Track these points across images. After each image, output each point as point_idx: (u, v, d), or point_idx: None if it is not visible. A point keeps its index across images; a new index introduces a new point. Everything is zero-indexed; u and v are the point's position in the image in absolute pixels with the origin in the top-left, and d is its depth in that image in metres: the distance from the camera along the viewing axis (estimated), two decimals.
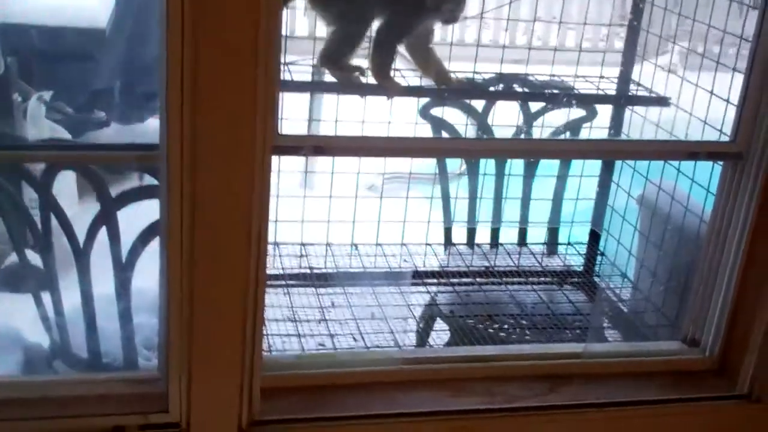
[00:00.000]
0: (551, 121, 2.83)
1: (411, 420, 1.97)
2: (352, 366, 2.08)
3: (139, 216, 2.12)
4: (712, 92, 2.25)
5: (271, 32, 1.60)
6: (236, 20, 1.55)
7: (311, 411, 1.94)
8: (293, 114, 2.34)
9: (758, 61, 2.00)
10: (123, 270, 2.15)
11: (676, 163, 2.49)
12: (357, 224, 2.72)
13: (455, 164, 3.05)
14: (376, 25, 2.20)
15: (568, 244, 3.00)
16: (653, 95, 2.56)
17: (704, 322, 2.22)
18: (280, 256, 2.73)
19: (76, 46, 3.67)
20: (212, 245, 1.69)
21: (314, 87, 2.31)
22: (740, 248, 2.10)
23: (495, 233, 3.06)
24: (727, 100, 2.16)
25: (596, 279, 2.85)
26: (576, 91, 2.64)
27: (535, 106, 2.83)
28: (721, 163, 2.13)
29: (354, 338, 2.30)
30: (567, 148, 2.22)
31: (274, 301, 2.51)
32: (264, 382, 1.93)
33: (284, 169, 2.44)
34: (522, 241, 3.07)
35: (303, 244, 2.67)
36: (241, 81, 1.60)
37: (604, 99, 2.67)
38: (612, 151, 2.26)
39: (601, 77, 2.67)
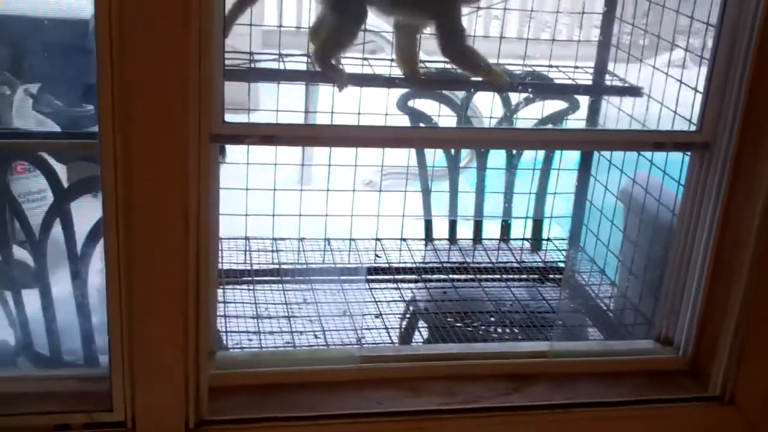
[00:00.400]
0: (534, 114, 2.77)
1: (365, 420, 1.92)
2: (310, 364, 2.03)
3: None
4: (681, 81, 2.18)
5: (204, 14, 1.55)
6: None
7: (262, 410, 1.90)
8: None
9: (721, 49, 1.93)
10: (77, 265, 2.12)
11: (649, 154, 2.43)
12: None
13: (441, 159, 2.99)
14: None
15: (548, 240, 2.94)
16: (626, 85, 2.50)
17: (677, 321, 2.15)
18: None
19: (61, 37, 3.63)
20: (148, 240, 1.66)
21: (257, 75, 2.24)
22: (709, 243, 2.03)
23: (478, 227, 3.00)
24: (695, 89, 2.09)
25: (577, 276, 2.78)
26: (555, 81, 2.58)
27: (515, 98, 2.78)
28: (688, 153, 2.06)
29: (316, 336, 2.25)
30: (531, 139, 2.16)
31: (245, 297, 2.47)
32: (217, 381, 1.90)
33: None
34: (505, 236, 3.01)
35: (274, 239, 2.63)
36: (172, 68, 1.56)
37: (580, 89, 2.61)
38: (577, 142, 2.20)
39: (576, 68, 2.61)
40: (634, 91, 2.45)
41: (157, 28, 1.53)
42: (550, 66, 2.64)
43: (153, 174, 1.61)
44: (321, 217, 2.61)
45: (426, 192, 2.89)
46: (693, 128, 2.05)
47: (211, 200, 1.81)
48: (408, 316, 2.58)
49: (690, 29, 2.16)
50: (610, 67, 2.62)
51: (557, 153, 2.95)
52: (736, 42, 1.92)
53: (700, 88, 2.03)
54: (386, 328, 2.40)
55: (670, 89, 2.25)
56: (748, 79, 1.90)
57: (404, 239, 2.77)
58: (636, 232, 2.51)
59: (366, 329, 2.33)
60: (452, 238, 2.97)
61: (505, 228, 3.03)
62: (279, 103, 2.33)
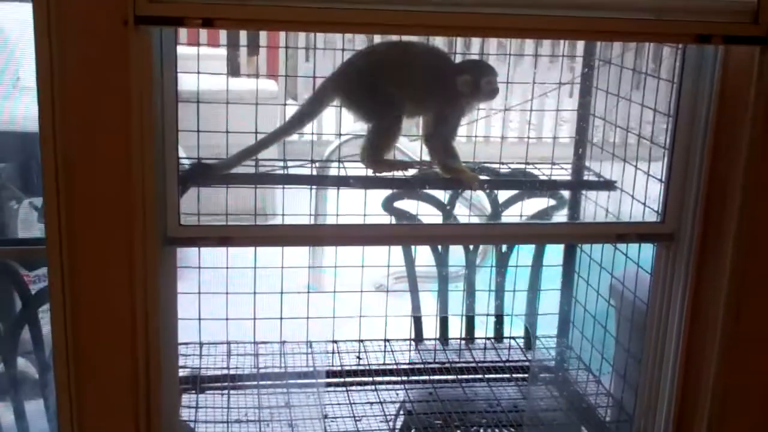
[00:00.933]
0: (522, 212, 2.77)
1: None
2: None
3: None
4: (648, 174, 2.18)
5: (146, 123, 1.59)
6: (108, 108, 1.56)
7: None
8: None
9: (679, 138, 1.94)
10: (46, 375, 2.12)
11: (636, 250, 2.41)
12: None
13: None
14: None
15: (535, 338, 2.89)
16: (601, 179, 2.51)
17: (654, 416, 2.10)
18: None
19: None
20: (95, 345, 1.66)
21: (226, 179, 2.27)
22: (680, 336, 2.00)
23: (470, 326, 2.96)
24: (661, 180, 2.08)
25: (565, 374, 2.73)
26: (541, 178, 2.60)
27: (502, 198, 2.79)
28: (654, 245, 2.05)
29: None
30: (492, 233, 2.18)
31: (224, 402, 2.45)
32: None
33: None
34: (498, 334, 2.97)
35: (255, 343, 2.62)
36: (116, 174, 1.59)
37: (557, 185, 2.62)
38: (539, 236, 2.21)
39: (553, 164, 2.63)
40: (608, 185, 2.45)
41: (98, 141, 1.57)
42: (527, 164, 2.65)
43: (99, 280, 1.62)
44: (302, 319, 2.60)
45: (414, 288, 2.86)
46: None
47: (168, 304, 1.82)
48: (401, 415, 2.54)
49: (654, 121, 2.17)
50: (588, 164, 2.63)
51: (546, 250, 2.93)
52: (692, 132, 1.93)
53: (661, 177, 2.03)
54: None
55: (642, 183, 2.25)
56: (706, 169, 1.90)
57: (388, 340, 2.75)
58: (623, 330, 2.47)
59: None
60: (443, 336, 2.93)
61: (498, 326, 2.99)
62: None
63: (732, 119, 1.83)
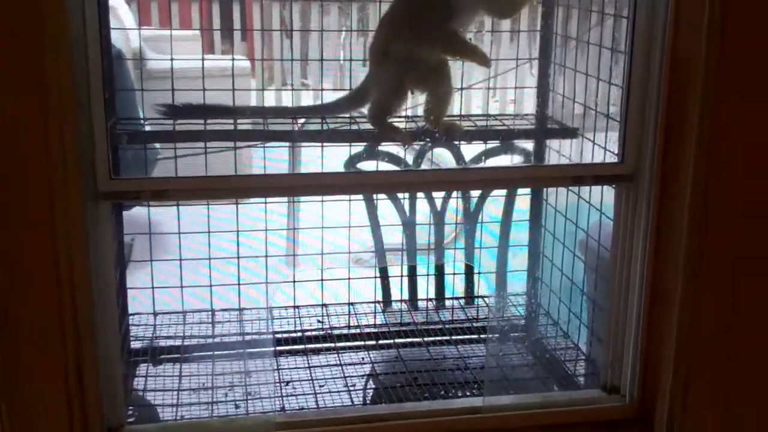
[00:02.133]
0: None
1: None
2: None
3: None
4: (607, 116, 2.10)
5: (62, 75, 1.50)
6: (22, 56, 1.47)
7: None
8: None
9: (635, 77, 1.86)
10: None
11: (601, 201, 2.33)
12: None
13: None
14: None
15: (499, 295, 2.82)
16: (563, 127, 2.43)
17: (621, 366, 2.03)
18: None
19: None
20: (21, 322, 1.57)
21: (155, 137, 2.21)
22: (644, 280, 1.92)
23: (439, 287, 2.88)
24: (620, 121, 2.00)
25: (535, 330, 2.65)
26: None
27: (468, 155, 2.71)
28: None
29: (236, 405, 2.14)
30: (452, 179, 2.09)
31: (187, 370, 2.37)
32: None
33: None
34: (468, 293, 2.89)
35: (212, 311, 2.53)
36: (32, 128, 1.50)
37: (522, 134, 2.54)
38: (496, 180, 2.12)
39: (515, 116, 2.55)
40: (570, 133, 2.37)
41: (11, 91, 1.49)
42: (488, 116, 2.58)
43: (19, 240, 1.54)
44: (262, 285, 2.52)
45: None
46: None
47: (104, 269, 1.74)
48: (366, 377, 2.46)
49: (612, 61, 2.08)
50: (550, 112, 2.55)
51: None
52: (648, 70, 1.85)
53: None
54: (330, 392, 2.28)
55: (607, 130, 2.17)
56: (663, 107, 1.82)
57: (352, 303, 2.67)
58: (592, 282, 2.39)
59: (292, 396, 2.21)
60: (412, 299, 2.85)
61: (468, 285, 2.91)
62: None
63: (686, 54, 1.75)
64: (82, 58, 1.62)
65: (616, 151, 2.00)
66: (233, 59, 2.45)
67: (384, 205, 2.74)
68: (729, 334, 1.84)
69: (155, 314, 2.49)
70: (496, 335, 2.67)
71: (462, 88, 2.58)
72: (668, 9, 1.77)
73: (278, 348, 2.43)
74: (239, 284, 2.48)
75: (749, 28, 1.69)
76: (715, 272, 1.81)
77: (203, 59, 2.32)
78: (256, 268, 2.54)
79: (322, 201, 2.62)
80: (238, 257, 2.46)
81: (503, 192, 2.76)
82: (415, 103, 2.41)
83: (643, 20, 1.83)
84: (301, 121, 2.55)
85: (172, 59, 2.29)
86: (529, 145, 2.67)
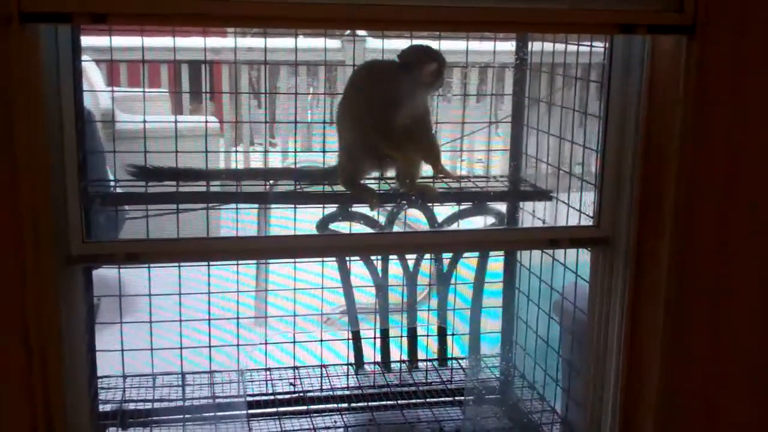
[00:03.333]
0: None
1: None
2: None
3: None
4: (582, 179, 2.11)
5: (34, 139, 1.48)
6: None
7: None
8: None
9: (610, 140, 1.87)
10: None
11: (576, 263, 2.32)
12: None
13: None
14: None
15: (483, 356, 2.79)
16: (537, 189, 2.44)
17: (599, 430, 2.01)
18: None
19: None
20: None
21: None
22: (621, 344, 1.91)
23: (412, 348, 2.85)
24: (595, 184, 2.01)
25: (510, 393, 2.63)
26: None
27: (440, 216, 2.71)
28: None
29: None
30: (428, 242, 2.08)
31: None
32: None
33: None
34: (442, 355, 2.86)
35: (182, 373, 2.48)
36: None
37: (496, 197, 2.55)
38: (471, 243, 2.11)
39: (489, 178, 2.56)
40: (543, 195, 2.38)
41: None
42: (462, 177, 2.58)
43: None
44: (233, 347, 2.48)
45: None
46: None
47: (75, 332, 1.70)
48: None
49: (585, 124, 2.10)
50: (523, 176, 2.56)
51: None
52: (623, 132, 1.86)
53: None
54: None
55: (580, 193, 2.18)
56: (639, 170, 1.83)
57: (324, 366, 2.63)
58: (567, 344, 2.38)
59: None
60: (385, 361, 2.82)
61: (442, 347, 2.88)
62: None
63: (662, 116, 1.76)
64: (55, 122, 1.61)
65: (591, 214, 2.02)
66: (206, 121, 2.43)
67: (356, 264, 2.72)
68: (709, 401, 1.83)
69: (124, 377, 2.44)
70: (472, 398, 2.64)
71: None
72: (643, 73, 1.79)
73: (250, 411, 2.38)
74: (210, 346, 2.44)
75: (726, 90, 1.70)
76: (695, 338, 1.80)
77: (176, 121, 2.31)
78: (228, 329, 2.51)
79: (294, 262, 2.60)
80: (209, 319, 2.43)
81: (476, 253, 2.76)
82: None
83: (618, 84, 1.85)
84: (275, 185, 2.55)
85: (144, 121, 2.29)
86: (502, 206, 2.68)
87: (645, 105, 1.79)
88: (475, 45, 2.64)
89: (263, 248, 1.97)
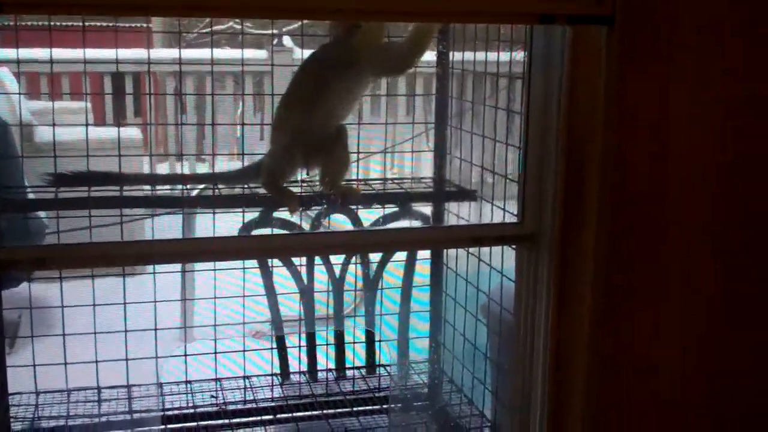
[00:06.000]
0: None
1: None
2: None
3: None
4: (505, 177, 2.08)
5: None
6: None
7: None
8: None
9: (532, 135, 1.84)
10: None
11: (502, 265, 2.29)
12: None
13: None
14: None
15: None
16: (461, 189, 2.41)
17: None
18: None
19: None
20: None
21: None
22: (547, 343, 1.87)
23: (340, 356, 2.79)
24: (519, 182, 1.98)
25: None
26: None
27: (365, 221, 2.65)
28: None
29: None
30: (356, 241, 2.02)
31: None
32: None
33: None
34: (370, 362, 2.81)
35: (98, 388, 2.38)
36: None
37: (420, 197, 2.51)
38: (394, 242, 2.06)
39: (413, 179, 2.52)
40: (468, 195, 2.35)
41: None
42: (386, 179, 2.54)
43: None
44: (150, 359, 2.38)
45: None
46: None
47: None
48: None
49: (508, 123, 2.07)
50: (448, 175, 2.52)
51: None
52: (545, 127, 1.83)
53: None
54: None
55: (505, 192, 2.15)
56: (561, 165, 1.80)
57: (247, 377, 2.55)
58: (495, 346, 2.35)
59: None
60: (311, 369, 2.75)
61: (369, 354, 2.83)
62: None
63: (584, 109, 1.74)
64: None
65: (515, 213, 1.98)
66: (119, 125, 2.35)
67: (281, 276, 2.65)
68: (639, 402, 1.80)
69: (37, 393, 2.32)
70: (399, 405, 2.59)
71: (358, 154, 2.55)
72: (563, 65, 1.76)
73: (169, 426, 2.29)
74: (127, 359, 2.34)
75: (648, 81, 1.69)
76: (623, 337, 1.78)
77: (86, 124, 2.22)
78: (148, 342, 2.42)
79: (215, 269, 2.51)
80: (126, 331, 2.33)
81: (403, 257, 2.72)
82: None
83: (539, 80, 1.82)
84: (195, 192, 2.48)
85: (54, 124, 2.20)
86: (427, 209, 2.64)
87: (566, 98, 1.76)
88: None
89: (181, 251, 1.88)
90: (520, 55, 1.95)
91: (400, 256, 2.72)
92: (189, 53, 2.39)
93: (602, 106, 1.69)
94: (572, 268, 1.80)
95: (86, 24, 2.22)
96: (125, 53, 2.41)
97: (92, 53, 2.32)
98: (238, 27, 2.71)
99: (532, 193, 1.86)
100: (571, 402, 1.83)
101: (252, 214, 2.49)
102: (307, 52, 2.42)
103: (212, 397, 2.45)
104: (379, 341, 2.71)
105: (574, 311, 1.81)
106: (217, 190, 2.39)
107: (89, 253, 1.71)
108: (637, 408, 1.82)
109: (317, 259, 2.69)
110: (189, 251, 1.89)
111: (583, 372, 1.78)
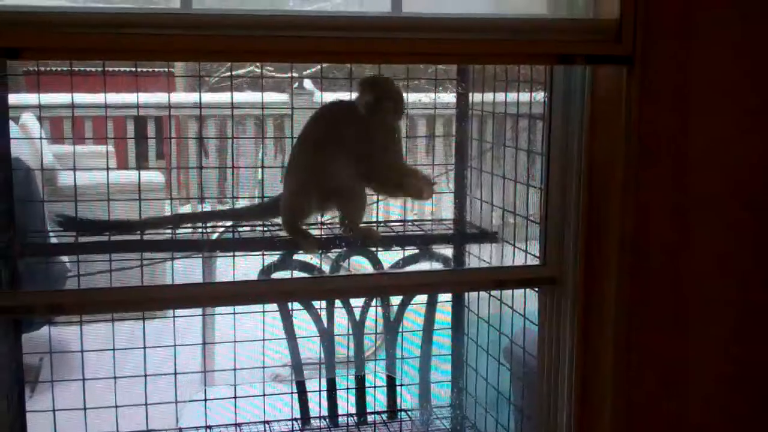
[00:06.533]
0: None
1: None
2: None
3: None
4: (528, 218, 2.06)
5: None
6: None
7: None
8: None
9: (553, 177, 1.83)
10: None
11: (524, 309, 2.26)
12: None
13: None
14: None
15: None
16: (482, 231, 2.38)
17: None
18: None
19: None
20: None
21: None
22: (572, 386, 1.84)
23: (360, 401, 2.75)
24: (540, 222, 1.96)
25: None
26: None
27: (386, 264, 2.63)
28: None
29: None
30: (377, 284, 2.00)
31: None
32: None
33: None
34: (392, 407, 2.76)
35: None
36: None
37: (440, 239, 2.49)
38: (416, 285, 2.04)
39: (433, 221, 2.50)
40: (489, 237, 2.32)
41: None
42: (406, 221, 2.52)
43: None
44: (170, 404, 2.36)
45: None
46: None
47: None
48: None
49: (529, 163, 2.06)
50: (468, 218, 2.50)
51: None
52: (566, 168, 1.82)
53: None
54: None
55: (527, 233, 2.12)
56: (584, 206, 1.78)
57: (268, 422, 2.52)
58: (519, 391, 2.31)
59: None
60: (332, 414, 2.71)
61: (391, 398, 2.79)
62: None
63: (605, 149, 1.73)
64: None
65: (537, 255, 1.96)
66: (139, 168, 2.35)
67: (301, 319, 2.63)
68: None
69: None
70: None
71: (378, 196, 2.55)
72: (584, 106, 1.75)
73: None
74: (146, 404, 2.32)
75: (669, 120, 1.68)
76: (647, 379, 1.74)
77: (107, 168, 2.23)
78: (167, 386, 2.40)
79: (234, 313, 2.49)
80: (146, 375, 2.31)
81: (424, 299, 2.69)
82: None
83: (559, 121, 1.81)
84: (215, 236, 2.47)
85: (74, 169, 2.21)
86: (448, 251, 2.62)
87: (587, 138, 1.75)
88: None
89: (200, 296, 1.87)
90: (540, 96, 1.94)
91: (421, 298, 2.70)
92: (210, 97, 2.39)
93: (623, 146, 1.68)
94: (594, 311, 1.78)
95: (107, 69, 2.24)
96: (147, 97, 2.41)
97: (114, 98, 2.33)
98: (258, 71, 2.72)
99: (554, 234, 1.85)
100: None
101: (272, 257, 2.48)
102: (327, 95, 2.43)
103: None
104: (401, 385, 2.67)
105: (597, 356, 1.78)
106: (236, 233, 2.39)
107: (108, 298, 1.70)
108: None
109: (337, 302, 2.67)
110: (208, 296, 1.88)
111: (608, 420, 1.75)
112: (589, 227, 1.78)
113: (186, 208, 4.86)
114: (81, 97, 2.28)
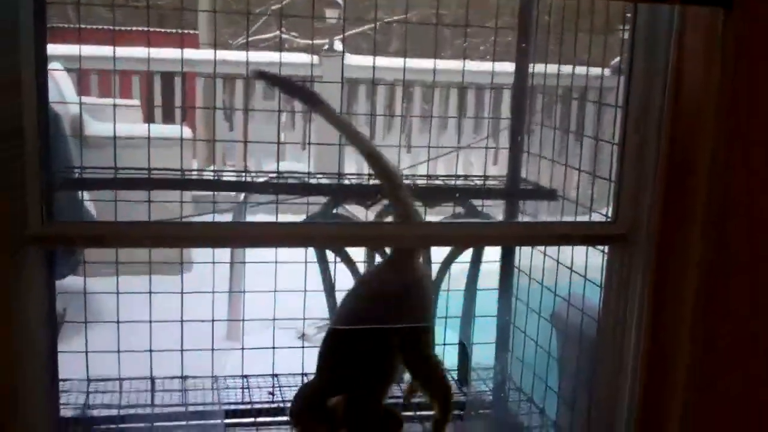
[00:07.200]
0: None
1: None
2: None
3: None
4: (594, 174, 1.95)
5: None
6: None
7: None
8: None
9: (630, 131, 1.71)
10: None
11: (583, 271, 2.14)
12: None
13: None
14: None
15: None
16: (540, 188, 2.26)
17: None
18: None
19: None
20: None
21: None
22: (639, 352, 1.74)
23: None
24: (610, 180, 1.85)
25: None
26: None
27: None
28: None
29: None
30: (428, 233, 1.88)
31: None
32: None
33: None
34: None
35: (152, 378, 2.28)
36: None
37: (496, 194, 2.38)
38: (474, 236, 1.92)
39: (485, 177, 2.39)
40: (548, 195, 2.21)
41: None
42: (457, 176, 2.42)
43: None
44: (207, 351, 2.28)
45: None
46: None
47: (32, 317, 1.51)
48: None
49: (599, 115, 1.94)
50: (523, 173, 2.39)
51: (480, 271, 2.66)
52: (646, 121, 1.70)
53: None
54: None
55: (588, 191, 2.01)
56: (663, 162, 1.66)
57: (305, 374, 2.42)
58: (568, 354, 2.21)
59: None
60: None
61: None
62: None
63: (693, 101, 1.60)
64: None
65: (602, 213, 1.85)
66: (182, 124, 2.26)
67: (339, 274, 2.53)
68: (742, 416, 1.66)
69: (88, 381, 2.23)
70: (462, 412, 2.46)
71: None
72: (670, 52, 1.62)
73: (226, 421, 2.17)
74: (182, 350, 2.24)
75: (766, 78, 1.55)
76: (727, 348, 1.63)
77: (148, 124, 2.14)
78: (202, 334, 2.31)
79: (276, 262, 2.39)
80: (182, 321, 2.23)
81: (467, 258, 2.59)
82: None
83: (641, 66, 1.69)
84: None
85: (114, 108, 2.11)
86: (498, 213, 2.51)
87: (672, 89, 1.63)
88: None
89: (241, 235, 1.77)
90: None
91: (465, 256, 2.60)
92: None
93: (715, 99, 1.55)
94: (672, 273, 1.66)
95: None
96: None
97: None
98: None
99: (629, 191, 1.73)
100: (665, 414, 1.69)
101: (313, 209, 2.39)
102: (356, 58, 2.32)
103: (270, 393, 2.33)
104: (443, 344, 2.57)
105: (671, 323, 1.67)
106: (282, 179, 2.29)
107: (148, 232, 1.61)
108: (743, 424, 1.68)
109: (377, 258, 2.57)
110: (248, 235, 1.77)
111: (681, 383, 1.64)
112: (668, 184, 1.66)
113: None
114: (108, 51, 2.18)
